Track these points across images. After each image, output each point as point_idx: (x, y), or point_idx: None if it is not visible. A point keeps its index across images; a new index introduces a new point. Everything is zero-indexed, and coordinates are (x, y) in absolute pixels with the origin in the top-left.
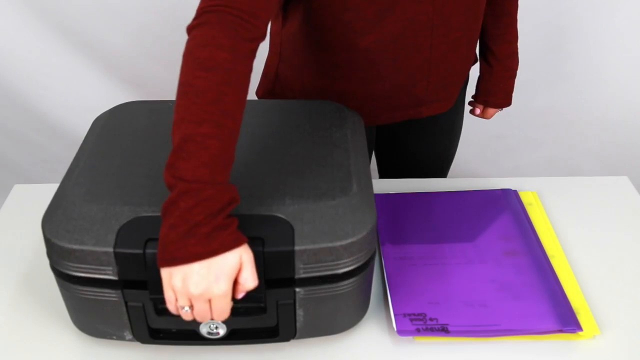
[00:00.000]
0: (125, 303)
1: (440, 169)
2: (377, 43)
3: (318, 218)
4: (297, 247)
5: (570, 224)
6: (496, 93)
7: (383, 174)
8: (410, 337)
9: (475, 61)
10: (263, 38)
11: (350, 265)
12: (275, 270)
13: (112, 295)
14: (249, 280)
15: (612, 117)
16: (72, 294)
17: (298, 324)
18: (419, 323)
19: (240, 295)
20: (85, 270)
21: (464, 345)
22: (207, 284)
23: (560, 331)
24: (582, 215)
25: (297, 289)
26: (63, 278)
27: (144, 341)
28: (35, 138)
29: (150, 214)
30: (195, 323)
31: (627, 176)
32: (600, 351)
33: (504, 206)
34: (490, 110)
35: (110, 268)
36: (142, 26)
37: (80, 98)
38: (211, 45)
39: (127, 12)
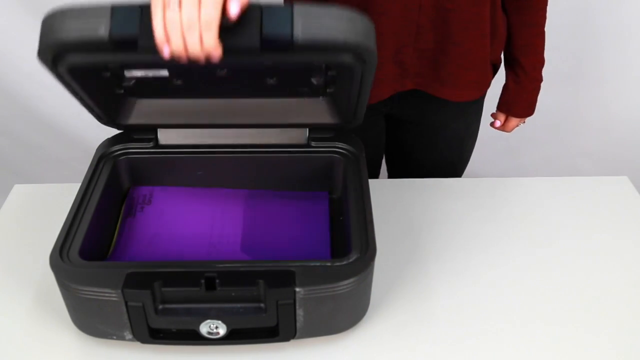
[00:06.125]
0: (125, 303)
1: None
2: None
3: None
4: None
5: (570, 224)
6: (519, 103)
7: (392, 177)
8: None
9: (484, 74)
10: None
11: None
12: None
13: (112, 295)
14: None
15: (612, 117)
16: (72, 294)
17: (298, 324)
18: None
19: (234, 9)
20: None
21: (465, 346)
22: None
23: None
24: (582, 216)
25: (297, 289)
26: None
27: (144, 341)
28: (35, 138)
29: None
30: (195, 322)
31: (627, 176)
32: (600, 351)
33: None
34: (512, 122)
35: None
36: None
37: None
38: None
39: None
